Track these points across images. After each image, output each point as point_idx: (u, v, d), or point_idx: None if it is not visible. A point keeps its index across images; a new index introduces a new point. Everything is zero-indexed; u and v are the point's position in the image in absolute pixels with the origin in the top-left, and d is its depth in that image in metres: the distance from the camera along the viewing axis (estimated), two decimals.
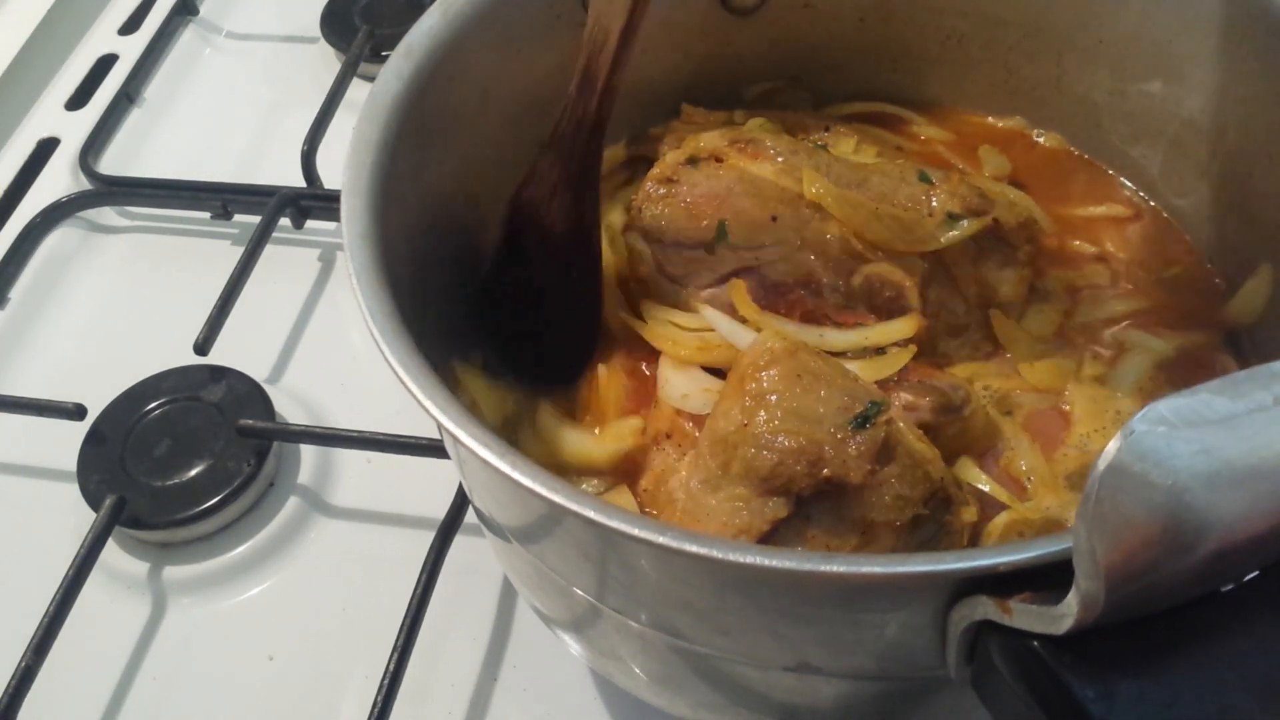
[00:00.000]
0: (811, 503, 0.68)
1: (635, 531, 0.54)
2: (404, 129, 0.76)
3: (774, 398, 0.69)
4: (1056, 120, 0.98)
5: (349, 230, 0.69)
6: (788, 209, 0.81)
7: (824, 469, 0.66)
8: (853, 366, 0.76)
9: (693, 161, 0.83)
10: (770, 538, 0.68)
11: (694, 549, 0.53)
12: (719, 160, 0.83)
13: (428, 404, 0.60)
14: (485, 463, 0.58)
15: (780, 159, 0.82)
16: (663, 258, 0.83)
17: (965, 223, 0.80)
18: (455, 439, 0.59)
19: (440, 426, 0.60)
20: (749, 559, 0.53)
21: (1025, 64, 0.97)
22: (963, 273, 0.83)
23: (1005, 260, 0.84)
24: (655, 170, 0.84)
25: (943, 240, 0.80)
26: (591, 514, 0.55)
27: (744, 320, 0.81)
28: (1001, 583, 0.50)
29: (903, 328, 0.80)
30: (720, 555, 0.53)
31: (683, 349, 0.81)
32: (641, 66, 0.95)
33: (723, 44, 0.99)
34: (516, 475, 0.57)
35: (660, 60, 0.97)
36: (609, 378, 0.83)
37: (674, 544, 0.54)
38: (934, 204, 0.81)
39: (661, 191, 0.82)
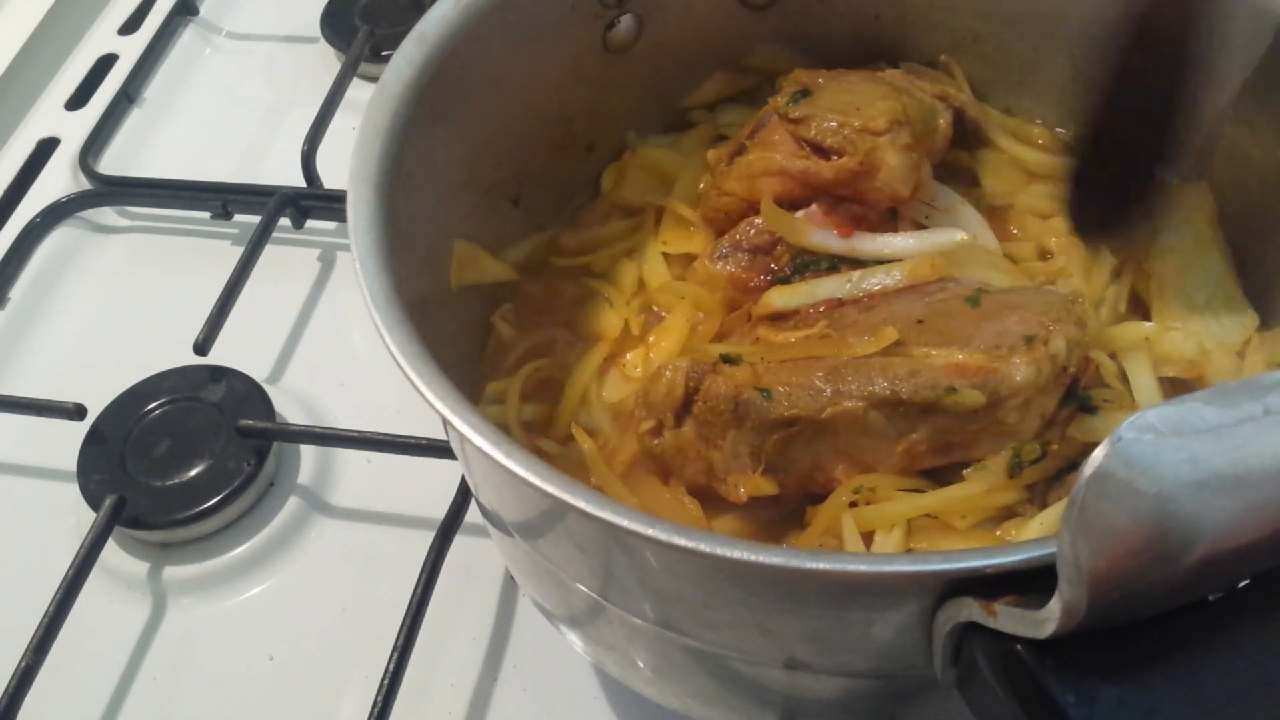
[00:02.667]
0: None
1: (625, 524, 0.55)
2: (414, 116, 0.76)
3: None
4: (1075, 117, 0.97)
5: (354, 216, 0.69)
6: None
7: None
8: None
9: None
10: None
11: (682, 542, 0.54)
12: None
13: (427, 392, 0.61)
14: (482, 452, 0.58)
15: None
16: None
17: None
18: (454, 428, 0.59)
19: (440, 415, 0.61)
20: (735, 554, 0.53)
21: (1041, 63, 0.97)
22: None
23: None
24: None
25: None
26: (584, 505, 0.56)
27: None
28: (987, 585, 0.50)
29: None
30: (708, 549, 0.53)
31: None
32: (657, 62, 0.96)
33: (739, 37, 0.99)
34: (513, 465, 0.58)
35: (676, 55, 0.97)
36: None
37: (663, 537, 0.54)
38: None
39: None
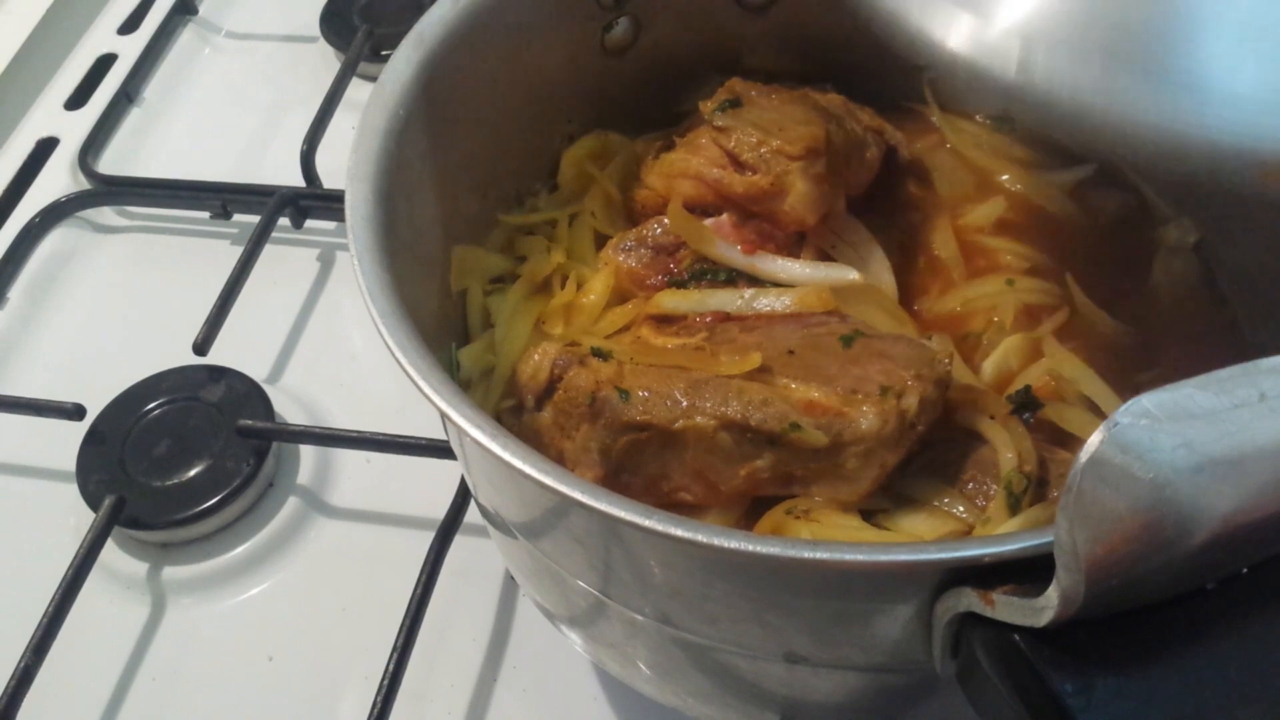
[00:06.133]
0: None
1: (623, 515, 0.54)
2: (412, 117, 0.76)
3: None
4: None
5: (353, 214, 0.69)
6: None
7: None
8: None
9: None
10: None
11: (679, 533, 0.53)
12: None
13: (425, 386, 0.60)
14: (480, 446, 0.58)
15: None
16: None
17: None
18: (452, 423, 0.59)
19: (437, 408, 0.60)
20: (732, 544, 0.53)
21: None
22: None
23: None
24: None
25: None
26: (582, 497, 0.55)
27: None
28: (985, 574, 0.50)
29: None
30: (704, 540, 0.53)
31: None
32: (655, 64, 0.96)
33: (736, 39, 0.98)
34: (509, 458, 0.57)
35: (674, 58, 0.97)
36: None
37: (660, 528, 0.54)
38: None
39: None
